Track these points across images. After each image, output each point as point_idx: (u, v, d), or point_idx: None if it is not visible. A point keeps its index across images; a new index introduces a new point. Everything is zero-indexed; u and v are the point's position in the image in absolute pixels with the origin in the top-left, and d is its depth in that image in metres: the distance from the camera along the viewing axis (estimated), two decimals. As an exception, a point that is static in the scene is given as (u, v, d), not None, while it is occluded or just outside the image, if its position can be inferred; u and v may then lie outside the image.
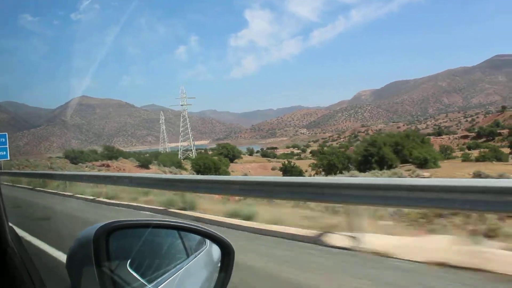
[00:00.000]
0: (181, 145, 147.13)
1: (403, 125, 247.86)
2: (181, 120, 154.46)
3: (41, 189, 19.51)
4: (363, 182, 5.87)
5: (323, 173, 55.28)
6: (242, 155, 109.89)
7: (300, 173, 57.93)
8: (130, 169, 60.42)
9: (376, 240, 5.50)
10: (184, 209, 9.51)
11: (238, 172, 69.31)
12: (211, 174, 46.91)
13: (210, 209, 9.18)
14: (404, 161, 54.93)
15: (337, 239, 5.85)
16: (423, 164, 48.68)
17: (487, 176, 28.84)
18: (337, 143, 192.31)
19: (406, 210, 7.09)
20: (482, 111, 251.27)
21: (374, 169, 46.44)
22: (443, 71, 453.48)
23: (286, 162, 71.26)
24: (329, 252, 5.46)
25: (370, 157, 52.06)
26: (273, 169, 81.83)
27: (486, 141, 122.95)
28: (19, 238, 0.89)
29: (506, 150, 72.63)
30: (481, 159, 57.36)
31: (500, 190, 4.68)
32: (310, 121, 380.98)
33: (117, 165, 62.77)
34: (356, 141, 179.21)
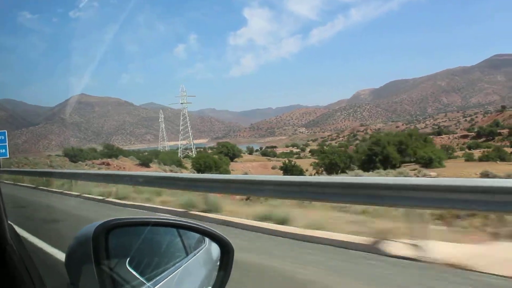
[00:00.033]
0: (181, 144, 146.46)
1: (402, 125, 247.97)
2: (181, 118, 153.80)
3: (45, 188, 18.69)
4: (432, 183, 5.18)
5: (324, 172, 54.79)
6: (242, 154, 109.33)
7: (301, 172, 57.37)
8: (130, 167, 59.82)
9: (441, 248, 4.86)
10: (207, 211, 8.78)
11: (238, 171, 68.78)
12: (212, 173, 46.29)
13: (236, 211, 8.49)
14: (405, 161, 54.60)
15: (397, 247, 5.20)
16: (427, 163, 48.10)
17: (494, 176, 28.44)
18: (336, 142, 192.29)
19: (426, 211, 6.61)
20: (481, 111, 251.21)
21: (378, 168, 46.01)
22: (442, 71, 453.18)
23: (287, 161, 70.70)
24: (394, 263, 4.80)
25: (374, 156, 51.65)
26: (273, 168, 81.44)
27: (486, 140, 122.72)
28: (18, 236, 0.89)
29: (507, 150, 72.08)
30: (484, 159, 56.95)
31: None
32: (309, 120, 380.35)
33: (117, 164, 62.21)
34: (355, 140, 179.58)
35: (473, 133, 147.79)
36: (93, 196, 13.63)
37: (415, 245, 5.01)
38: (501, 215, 5.63)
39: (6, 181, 25.84)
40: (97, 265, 1.20)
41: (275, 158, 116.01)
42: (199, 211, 8.96)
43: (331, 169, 55.99)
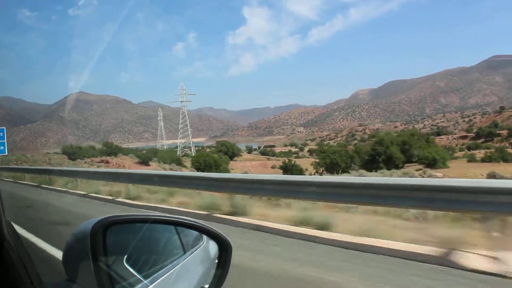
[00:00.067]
0: (180, 142, 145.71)
1: (400, 125, 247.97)
2: (181, 116, 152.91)
3: (48, 186, 17.82)
4: (501, 185, 4.53)
5: (325, 172, 54.20)
6: (241, 153, 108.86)
7: (300, 171, 56.78)
8: (130, 165, 59.18)
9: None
10: (234, 214, 8.00)
11: (238, 170, 68.29)
12: (211, 172, 45.62)
13: (266, 214, 7.73)
14: (407, 161, 54.05)
15: (473, 259, 4.52)
16: (431, 164, 47.50)
17: (501, 177, 27.98)
18: (334, 142, 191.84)
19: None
20: (479, 112, 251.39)
21: (381, 168, 45.47)
22: (440, 71, 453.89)
23: (287, 160, 70.18)
24: (481, 280, 4.10)
25: (378, 156, 51.09)
26: (273, 167, 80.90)
27: (485, 141, 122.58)
28: (16, 233, 0.89)
29: (509, 151, 71.51)
30: (487, 159, 56.41)
31: None
32: (308, 120, 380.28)
33: (116, 162, 61.54)
34: (354, 140, 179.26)
35: (472, 134, 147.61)
36: (101, 196, 12.85)
37: (493, 257, 4.34)
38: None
39: (6, 179, 25.14)
40: (94, 261, 1.20)
41: (274, 158, 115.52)
42: (224, 214, 8.18)
43: (332, 169, 55.44)
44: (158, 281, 1.45)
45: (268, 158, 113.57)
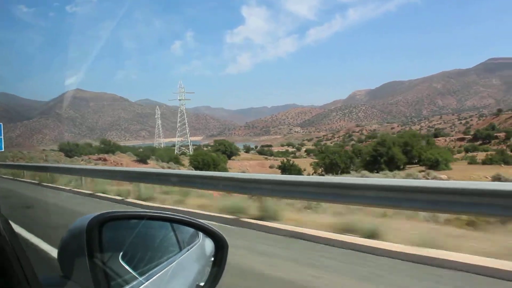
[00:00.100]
0: (178, 140, 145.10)
1: (397, 126, 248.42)
2: (179, 115, 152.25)
3: (50, 184, 16.90)
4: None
5: (323, 172, 53.71)
6: (239, 153, 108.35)
7: (299, 171, 56.29)
8: (128, 163, 58.54)
9: None
10: (264, 218, 7.19)
11: (235, 169, 67.68)
12: (209, 171, 44.98)
13: (300, 219, 7.00)
14: (408, 162, 53.57)
15: None
16: (433, 165, 46.99)
17: (506, 180, 27.45)
18: (331, 143, 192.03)
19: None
20: (476, 114, 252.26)
21: (383, 169, 44.98)
22: (438, 73, 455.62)
23: (285, 160, 69.72)
24: None
25: (379, 157, 50.58)
26: (271, 167, 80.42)
27: (482, 144, 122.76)
28: (11, 227, 0.88)
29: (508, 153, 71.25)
30: (488, 162, 56.08)
31: None
32: (304, 120, 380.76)
33: (114, 159, 60.82)
34: (351, 141, 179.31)
35: (469, 136, 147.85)
36: (109, 196, 12.02)
37: None
38: None
39: (4, 176, 24.41)
40: (90, 258, 1.19)
41: (272, 157, 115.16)
42: (252, 218, 7.42)
43: (331, 169, 54.99)
44: (153, 278, 1.45)
45: (266, 158, 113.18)
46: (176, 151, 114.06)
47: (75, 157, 60.91)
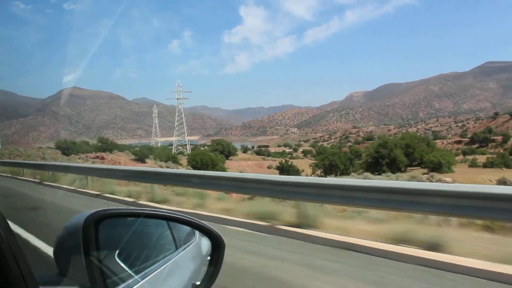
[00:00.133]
0: (175, 140, 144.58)
1: (394, 128, 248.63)
2: (177, 114, 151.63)
3: (52, 184, 16.17)
4: None
5: (323, 174, 53.36)
6: (236, 153, 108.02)
7: (297, 172, 55.95)
8: (126, 162, 57.97)
9: None
10: (302, 226, 6.46)
11: (233, 169, 67.27)
12: (208, 171, 44.49)
13: (344, 227, 6.26)
14: (409, 164, 53.29)
15: None
16: (436, 168, 46.63)
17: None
18: (328, 144, 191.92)
19: None
20: (472, 117, 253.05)
21: (384, 171, 44.67)
22: (435, 76, 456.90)
23: (283, 161, 69.45)
24: None
25: (381, 159, 50.28)
26: (269, 167, 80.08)
27: (480, 147, 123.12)
28: (7, 224, 0.87)
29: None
30: (489, 165, 55.89)
31: None
32: (301, 121, 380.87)
33: (112, 158, 60.28)
34: (347, 142, 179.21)
35: (466, 139, 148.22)
36: (119, 197, 11.34)
37: None
38: None
39: (3, 174, 23.84)
40: (86, 255, 1.19)
41: (269, 158, 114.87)
42: (288, 226, 6.66)
43: (330, 170, 54.66)
44: (149, 276, 1.45)
45: (264, 158, 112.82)
46: (173, 151, 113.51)
47: (72, 155, 60.39)
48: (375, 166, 49.49)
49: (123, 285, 1.30)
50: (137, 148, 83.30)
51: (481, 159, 66.60)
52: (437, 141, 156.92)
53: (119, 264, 1.35)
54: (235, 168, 72.26)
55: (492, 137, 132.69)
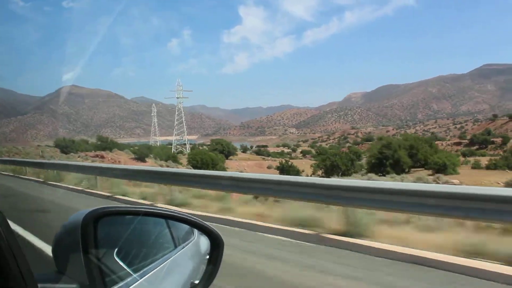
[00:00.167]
0: (175, 139, 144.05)
1: (392, 129, 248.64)
2: (176, 113, 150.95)
3: (58, 183, 15.39)
4: None
5: (323, 174, 52.88)
6: (236, 152, 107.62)
7: (297, 172, 55.48)
8: (126, 161, 57.45)
9: None
10: (351, 235, 5.78)
11: (233, 169, 66.80)
12: (208, 170, 43.99)
13: (398, 236, 5.52)
14: (413, 165, 52.86)
15: None
16: (441, 169, 46.18)
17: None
18: (326, 144, 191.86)
19: None
20: (470, 119, 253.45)
21: (388, 172, 44.22)
22: (433, 77, 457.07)
23: (283, 161, 69.05)
24: None
25: (385, 160, 49.79)
26: (269, 167, 79.65)
27: (479, 149, 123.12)
28: (6, 222, 0.87)
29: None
30: (492, 167, 55.55)
31: None
32: (300, 121, 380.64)
33: (111, 157, 59.74)
34: (346, 143, 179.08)
35: (466, 141, 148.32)
36: (132, 199, 10.57)
37: None
38: None
39: (3, 172, 23.20)
40: (85, 253, 1.19)
41: (269, 158, 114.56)
42: (336, 235, 5.92)
43: (331, 171, 54.15)
44: (148, 275, 1.45)
45: (263, 158, 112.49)
46: (173, 150, 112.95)
47: (71, 153, 59.77)
48: (378, 167, 49.00)
49: (121, 283, 1.29)
50: (136, 147, 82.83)
51: (482, 160, 66.42)
52: (436, 142, 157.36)
53: (118, 262, 1.34)
54: (235, 168, 71.75)
55: (492, 139, 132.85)
